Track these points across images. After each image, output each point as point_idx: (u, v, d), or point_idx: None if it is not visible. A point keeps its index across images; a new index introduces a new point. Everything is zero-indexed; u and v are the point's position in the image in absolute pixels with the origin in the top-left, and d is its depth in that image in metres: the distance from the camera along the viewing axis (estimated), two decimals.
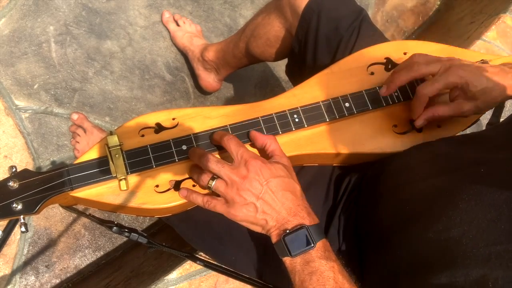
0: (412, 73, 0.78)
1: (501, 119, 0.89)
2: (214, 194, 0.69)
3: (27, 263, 1.26)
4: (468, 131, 0.89)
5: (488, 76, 0.74)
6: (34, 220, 1.28)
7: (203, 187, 0.70)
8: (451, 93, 0.78)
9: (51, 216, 1.29)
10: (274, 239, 0.64)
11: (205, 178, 0.67)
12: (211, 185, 0.66)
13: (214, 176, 0.67)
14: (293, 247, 0.62)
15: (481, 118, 0.89)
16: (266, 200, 0.64)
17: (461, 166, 0.67)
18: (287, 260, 0.63)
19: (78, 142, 1.31)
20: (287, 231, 0.63)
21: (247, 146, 0.75)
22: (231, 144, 0.68)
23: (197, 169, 0.70)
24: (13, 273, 1.23)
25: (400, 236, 0.65)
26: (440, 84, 0.75)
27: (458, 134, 0.86)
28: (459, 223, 0.56)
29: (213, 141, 0.73)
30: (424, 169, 0.72)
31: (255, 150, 0.75)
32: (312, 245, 0.62)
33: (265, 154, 0.72)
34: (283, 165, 0.68)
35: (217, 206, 0.67)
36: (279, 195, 0.65)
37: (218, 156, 0.73)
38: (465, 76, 0.73)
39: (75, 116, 1.32)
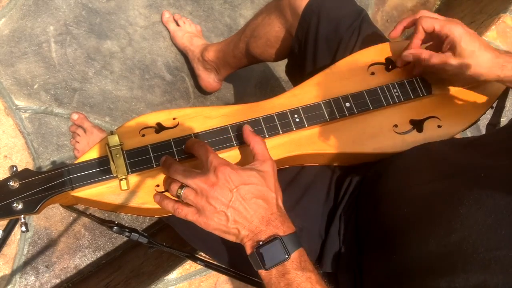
0: (416, 15, 0.82)
1: (501, 119, 0.89)
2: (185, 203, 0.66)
3: (27, 263, 1.25)
4: (468, 132, 0.89)
5: (481, 45, 0.76)
6: (34, 220, 1.28)
7: (173, 196, 0.67)
8: (443, 45, 0.80)
9: (51, 216, 1.29)
10: (248, 250, 0.62)
11: (174, 187, 0.65)
12: (179, 194, 0.64)
13: (183, 185, 0.64)
14: (267, 260, 0.60)
15: (481, 119, 0.89)
16: (236, 207, 0.62)
17: (461, 170, 0.67)
18: (262, 272, 0.61)
19: (78, 142, 1.31)
20: (260, 242, 0.61)
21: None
22: (200, 150, 0.66)
23: (169, 178, 0.67)
24: (13, 273, 1.23)
25: (399, 239, 0.65)
26: (438, 24, 0.78)
27: (458, 136, 0.86)
28: (459, 228, 0.56)
29: (185, 149, 0.71)
30: (425, 173, 0.72)
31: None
32: (287, 256, 0.59)
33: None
34: (258, 172, 0.65)
35: (188, 214, 0.64)
36: (250, 203, 0.62)
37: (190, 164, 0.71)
38: (461, 32, 0.76)
39: (75, 116, 1.32)
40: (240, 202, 0.62)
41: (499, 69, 0.76)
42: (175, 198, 0.66)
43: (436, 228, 0.59)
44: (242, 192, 0.62)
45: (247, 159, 0.74)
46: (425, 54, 0.81)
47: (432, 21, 0.79)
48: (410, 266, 0.60)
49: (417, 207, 0.65)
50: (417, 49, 0.82)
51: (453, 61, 0.77)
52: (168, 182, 0.66)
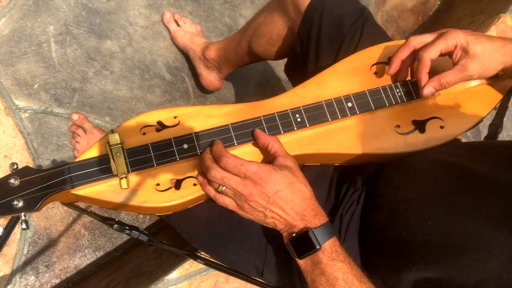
0: (409, 45, 0.79)
1: (504, 119, 0.88)
2: None
3: (27, 263, 1.25)
4: (468, 133, 0.89)
5: (487, 38, 0.75)
6: (34, 220, 1.27)
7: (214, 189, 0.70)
8: (454, 56, 0.77)
9: (51, 216, 1.29)
10: (285, 240, 0.68)
11: (215, 184, 0.68)
12: (221, 190, 0.68)
13: None
14: (299, 251, 0.65)
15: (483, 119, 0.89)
16: (273, 210, 0.66)
17: (460, 174, 0.67)
18: (298, 261, 0.66)
19: (78, 142, 1.30)
20: (293, 234, 0.66)
21: (250, 144, 0.75)
22: (229, 167, 0.66)
23: None
24: (13, 273, 1.23)
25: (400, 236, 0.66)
26: (440, 45, 0.75)
27: (459, 136, 0.86)
28: (454, 225, 0.58)
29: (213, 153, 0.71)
30: (426, 174, 0.72)
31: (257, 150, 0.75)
32: (318, 247, 0.64)
33: (268, 153, 0.72)
34: (288, 169, 0.68)
35: (229, 206, 0.69)
36: (286, 204, 0.66)
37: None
38: (464, 36, 0.74)
39: (75, 116, 1.32)
40: (277, 204, 0.66)
41: (505, 56, 0.75)
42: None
43: (434, 226, 0.59)
44: (279, 195, 0.66)
45: (247, 159, 0.73)
46: (444, 78, 0.77)
47: (434, 49, 0.75)
48: (411, 260, 0.61)
49: (416, 206, 0.66)
50: (434, 80, 0.78)
51: (473, 64, 0.75)
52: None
